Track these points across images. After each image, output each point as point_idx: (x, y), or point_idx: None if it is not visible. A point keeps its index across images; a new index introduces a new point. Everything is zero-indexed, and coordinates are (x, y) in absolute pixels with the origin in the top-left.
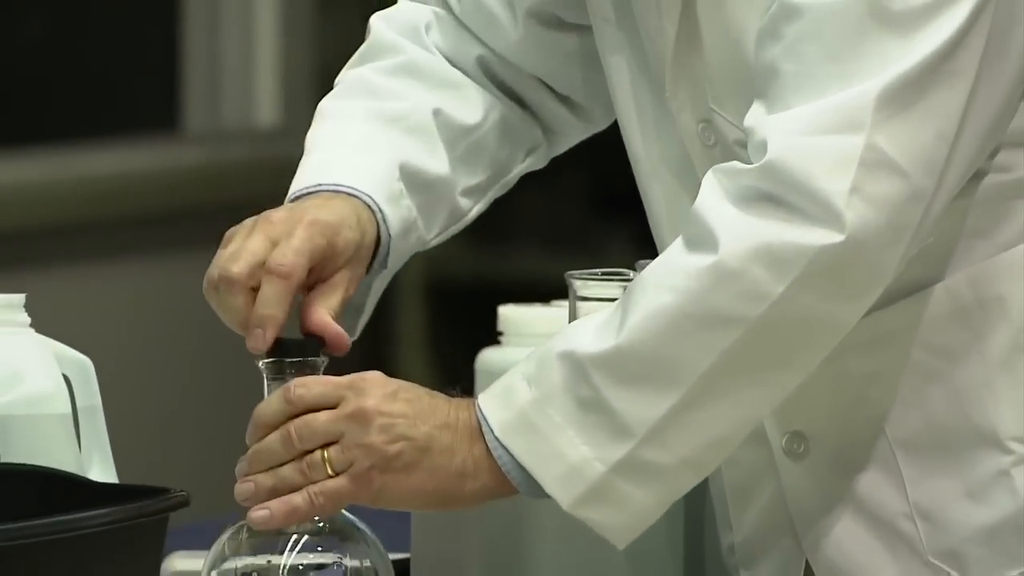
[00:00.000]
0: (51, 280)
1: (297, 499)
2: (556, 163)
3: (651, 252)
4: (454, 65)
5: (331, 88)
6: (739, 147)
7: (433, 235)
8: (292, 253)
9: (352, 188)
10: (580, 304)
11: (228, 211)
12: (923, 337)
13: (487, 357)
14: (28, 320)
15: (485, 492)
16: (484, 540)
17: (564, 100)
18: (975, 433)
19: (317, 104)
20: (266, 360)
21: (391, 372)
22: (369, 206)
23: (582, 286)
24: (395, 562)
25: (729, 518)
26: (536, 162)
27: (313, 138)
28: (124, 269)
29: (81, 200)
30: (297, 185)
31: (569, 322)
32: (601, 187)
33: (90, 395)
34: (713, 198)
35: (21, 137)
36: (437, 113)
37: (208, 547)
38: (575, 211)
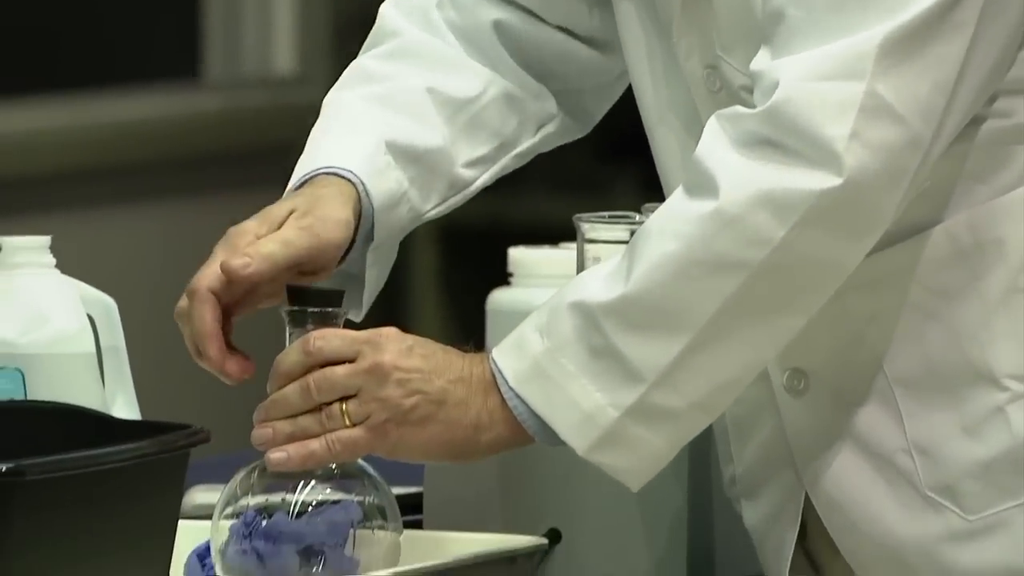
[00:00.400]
0: (75, 223)
1: (315, 444)
2: None
3: (658, 196)
4: (468, 39)
5: (347, 36)
6: (745, 92)
7: (431, 206)
8: (282, 235)
9: (334, 167)
10: (587, 246)
11: (246, 156)
12: (922, 278)
13: (497, 297)
14: (53, 262)
15: (500, 442)
16: (495, 474)
17: (592, 43)
18: (972, 371)
19: (334, 52)
20: (287, 308)
21: (405, 313)
22: (352, 181)
23: (589, 229)
24: (409, 496)
25: (730, 451)
26: (566, 133)
27: (312, 132)
28: (146, 212)
29: (105, 145)
30: (292, 180)
31: (577, 263)
32: (609, 132)
33: (114, 335)
34: (714, 143)
35: (46, 84)
36: (431, 90)
37: (227, 481)
38: (583, 156)
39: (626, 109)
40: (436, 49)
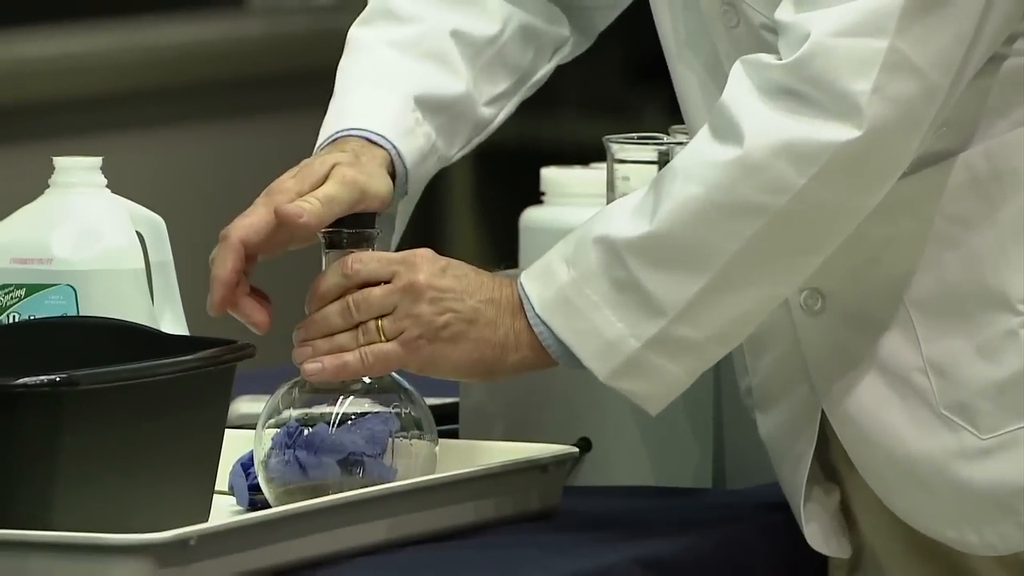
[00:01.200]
0: (124, 144)
1: (348, 356)
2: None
3: (682, 119)
4: None
5: None
6: (765, 32)
7: (456, 150)
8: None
9: (364, 130)
10: (617, 166)
11: (288, 80)
12: (940, 205)
13: (530, 215)
14: (104, 181)
15: (526, 364)
16: (527, 386)
17: None
18: (987, 295)
19: None
20: (324, 230)
21: (441, 231)
22: (383, 146)
23: (619, 149)
24: (445, 406)
25: (745, 362)
26: (570, 53)
27: (339, 75)
28: (192, 134)
29: (152, 69)
30: (323, 134)
31: (607, 182)
32: (637, 56)
33: (162, 252)
34: (740, 90)
35: (96, 9)
36: (455, 33)
37: (271, 392)
38: (612, 79)
39: (653, 37)
40: None
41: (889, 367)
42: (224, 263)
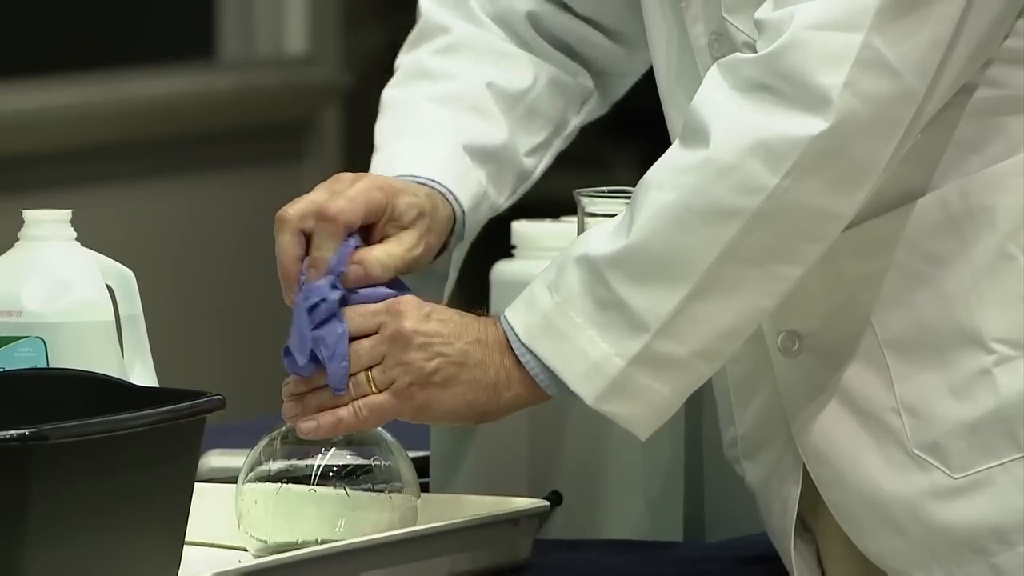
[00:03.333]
0: (94, 198)
1: (343, 412)
2: None
3: None
4: (503, 24)
5: (357, 18)
6: (748, 49)
7: (505, 198)
8: (344, 200)
9: (416, 176)
10: (588, 220)
11: (259, 134)
12: (914, 243)
13: (501, 269)
14: (74, 234)
15: (518, 401)
16: (499, 438)
17: (615, 36)
18: (960, 334)
19: (345, 33)
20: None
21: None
22: (439, 190)
23: (590, 203)
24: (415, 459)
25: (731, 413)
26: (595, 110)
27: (380, 131)
28: (162, 187)
29: (122, 123)
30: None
31: (578, 235)
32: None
33: (132, 304)
34: (710, 90)
35: (66, 63)
36: (489, 85)
37: (242, 445)
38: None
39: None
40: (487, 42)
41: (863, 407)
42: (329, 244)
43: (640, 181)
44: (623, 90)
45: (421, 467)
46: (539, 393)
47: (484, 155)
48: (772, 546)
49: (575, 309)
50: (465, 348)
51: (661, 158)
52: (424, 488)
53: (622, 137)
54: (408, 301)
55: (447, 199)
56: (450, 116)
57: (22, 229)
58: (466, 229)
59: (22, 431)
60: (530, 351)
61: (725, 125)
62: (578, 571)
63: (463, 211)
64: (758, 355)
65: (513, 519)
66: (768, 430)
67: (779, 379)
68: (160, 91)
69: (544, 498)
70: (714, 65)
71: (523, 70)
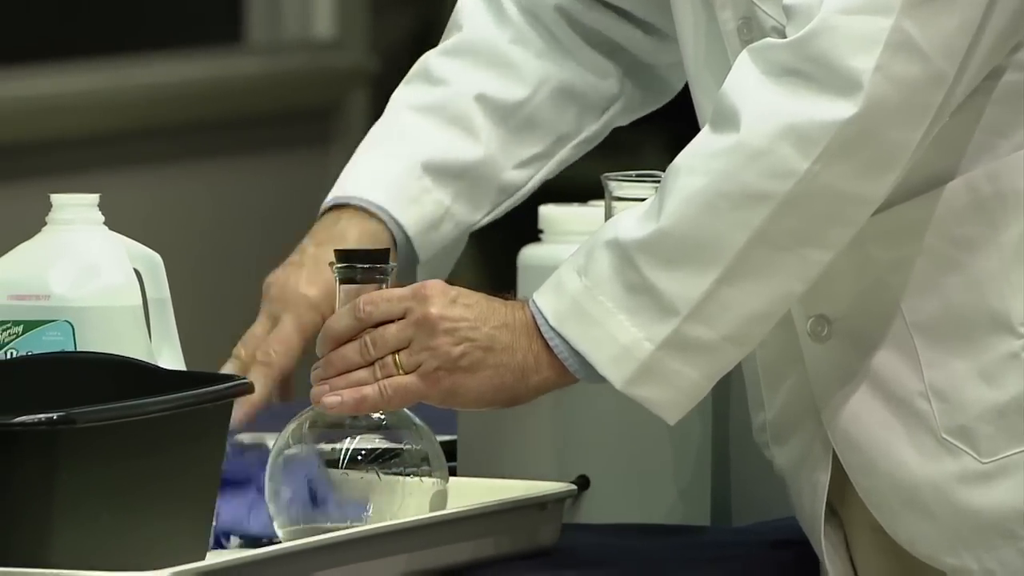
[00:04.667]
0: (123, 181)
1: (368, 389)
2: None
3: None
4: (533, 19)
5: (385, 2)
6: (777, 35)
7: (482, 215)
8: (276, 343)
9: (361, 200)
10: (615, 204)
11: (286, 118)
12: (943, 228)
13: (528, 253)
14: (102, 218)
15: (547, 384)
16: (526, 422)
17: (646, 27)
18: (989, 318)
19: (372, 16)
20: (337, 267)
21: None
22: (380, 217)
23: (617, 187)
24: (442, 443)
25: (761, 398)
26: (625, 111)
27: (363, 141)
28: (190, 171)
29: (151, 107)
30: (328, 197)
31: (604, 220)
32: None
33: (159, 288)
34: (740, 75)
35: (95, 48)
36: (480, 97)
37: (269, 429)
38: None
39: None
40: (493, 46)
41: (892, 392)
42: (266, 386)
43: (669, 166)
44: (676, 83)
45: (448, 451)
46: (568, 376)
47: (452, 173)
48: (800, 530)
49: (605, 293)
50: (492, 333)
51: (691, 143)
52: (451, 472)
53: (650, 121)
54: (434, 286)
55: (387, 226)
56: (424, 130)
57: (50, 213)
58: (421, 249)
59: (50, 415)
60: (559, 335)
61: (756, 110)
62: (605, 555)
63: (405, 235)
64: (787, 340)
65: (541, 503)
66: (797, 415)
67: (808, 364)
68: (188, 75)
69: (572, 482)
70: (744, 50)
71: (524, 79)
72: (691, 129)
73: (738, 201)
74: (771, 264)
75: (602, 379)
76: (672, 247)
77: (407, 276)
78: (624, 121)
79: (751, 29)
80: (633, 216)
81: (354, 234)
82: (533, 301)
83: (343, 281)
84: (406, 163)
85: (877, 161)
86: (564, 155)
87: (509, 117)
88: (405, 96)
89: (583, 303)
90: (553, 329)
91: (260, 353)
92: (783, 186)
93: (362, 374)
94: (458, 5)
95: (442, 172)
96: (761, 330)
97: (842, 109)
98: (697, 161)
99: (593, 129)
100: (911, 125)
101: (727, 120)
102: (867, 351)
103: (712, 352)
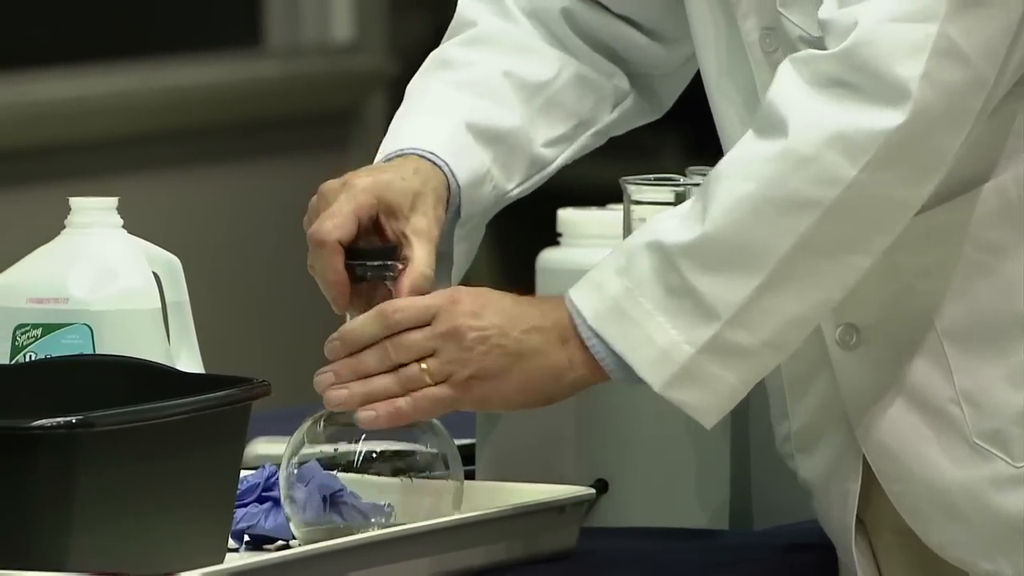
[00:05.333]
0: (141, 185)
1: (402, 403)
2: None
3: (702, 160)
4: (538, 21)
5: (403, 5)
6: (803, 44)
7: (514, 185)
8: (328, 220)
9: (414, 148)
10: (633, 207)
11: (304, 121)
12: (972, 234)
13: (547, 257)
14: (120, 222)
15: (582, 382)
16: (544, 426)
17: (652, 34)
18: (1019, 323)
19: (390, 20)
20: (347, 263)
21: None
22: (434, 162)
23: (636, 190)
24: (461, 447)
25: (785, 408)
26: (640, 114)
27: (395, 117)
28: (209, 175)
29: (170, 110)
30: (377, 159)
31: (623, 223)
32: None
33: (178, 292)
34: (786, 85)
35: (114, 51)
36: (507, 74)
37: (288, 432)
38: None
39: None
40: (511, 35)
41: (922, 399)
42: (330, 268)
43: (712, 172)
44: (673, 93)
45: (467, 455)
46: (601, 374)
47: (491, 136)
48: (819, 534)
49: (645, 295)
50: (521, 337)
51: (734, 150)
52: (470, 476)
53: (667, 125)
54: (463, 293)
55: (442, 171)
56: (459, 97)
57: (69, 216)
58: (465, 206)
59: (69, 418)
60: (597, 335)
61: (803, 118)
62: (624, 559)
63: (458, 185)
64: (814, 349)
65: (559, 507)
66: (824, 425)
67: (838, 372)
68: (206, 79)
69: (590, 486)
70: (787, 61)
71: (545, 63)
72: (708, 133)
73: (784, 207)
74: (814, 270)
75: (639, 381)
76: (715, 252)
77: (446, 242)
78: (631, 124)
79: (775, 39)
80: (675, 219)
81: (418, 177)
82: (571, 301)
83: (354, 280)
84: (450, 121)
85: (921, 167)
86: (584, 142)
87: (535, 96)
88: (428, 80)
89: (623, 304)
90: (591, 329)
91: (310, 234)
92: (830, 193)
93: (384, 380)
94: (460, 8)
95: (483, 134)
96: (799, 336)
97: (891, 118)
98: (743, 167)
99: (608, 120)
100: (955, 130)
101: (774, 127)
102: (897, 358)
103: (751, 357)
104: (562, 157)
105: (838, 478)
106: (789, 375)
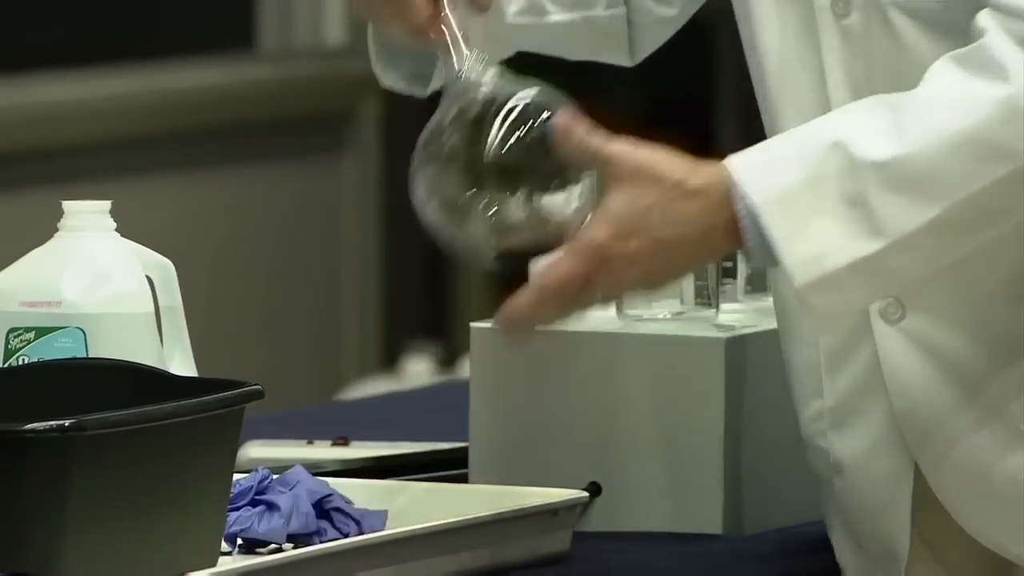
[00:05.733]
0: (134, 188)
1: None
2: (608, 81)
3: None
4: None
5: None
6: (895, 9)
7: (513, 10)
8: None
9: None
10: None
11: (298, 125)
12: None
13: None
14: (114, 225)
15: (712, 253)
16: (538, 429)
17: None
18: None
19: None
20: None
21: (453, 277)
22: None
23: None
24: (454, 450)
25: (816, 386)
26: (617, 34)
27: None
28: (201, 178)
29: (162, 113)
30: None
31: None
32: (651, 101)
33: (171, 295)
34: (998, 35)
35: (106, 54)
36: None
37: (281, 436)
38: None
39: (672, 79)
40: None
41: (965, 378)
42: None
43: (912, 95)
44: (644, 50)
45: (460, 458)
46: (735, 247)
47: None
48: (812, 538)
49: (819, 193)
50: (672, 233)
51: (940, 81)
52: (463, 479)
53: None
54: (601, 235)
55: None
56: None
57: (62, 220)
58: None
59: (61, 422)
60: (756, 217)
61: (1022, 69)
62: (617, 563)
63: None
64: (855, 323)
65: (552, 510)
66: (864, 400)
67: (880, 347)
68: (199, 82)
69: (583, 489)
70: (987, 15)
71: None
72: (709, 135)
73: (988, 152)
74: (983, 219)
75: (779, 269)
76: (905, 175)
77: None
78: (612, 49)
79: (848, 2)
80: (866, 126)
81: None
82: (737, 170)
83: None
84: None
85: None
86: (574, 18)
87: None
88: None
89: (793, 195)
90: (750, 208)
91: None
92: None
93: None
94: None
95: None
96: (935, 276)
97: None
98: (960, 100)
99: (602, 14)
100: None
101: (993, 71)
102: (940, 334)
103: (893, 283)
104: (555, 17)
105: (881, 454)
106: (827, 350)
